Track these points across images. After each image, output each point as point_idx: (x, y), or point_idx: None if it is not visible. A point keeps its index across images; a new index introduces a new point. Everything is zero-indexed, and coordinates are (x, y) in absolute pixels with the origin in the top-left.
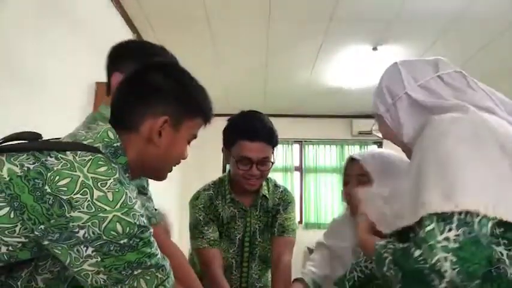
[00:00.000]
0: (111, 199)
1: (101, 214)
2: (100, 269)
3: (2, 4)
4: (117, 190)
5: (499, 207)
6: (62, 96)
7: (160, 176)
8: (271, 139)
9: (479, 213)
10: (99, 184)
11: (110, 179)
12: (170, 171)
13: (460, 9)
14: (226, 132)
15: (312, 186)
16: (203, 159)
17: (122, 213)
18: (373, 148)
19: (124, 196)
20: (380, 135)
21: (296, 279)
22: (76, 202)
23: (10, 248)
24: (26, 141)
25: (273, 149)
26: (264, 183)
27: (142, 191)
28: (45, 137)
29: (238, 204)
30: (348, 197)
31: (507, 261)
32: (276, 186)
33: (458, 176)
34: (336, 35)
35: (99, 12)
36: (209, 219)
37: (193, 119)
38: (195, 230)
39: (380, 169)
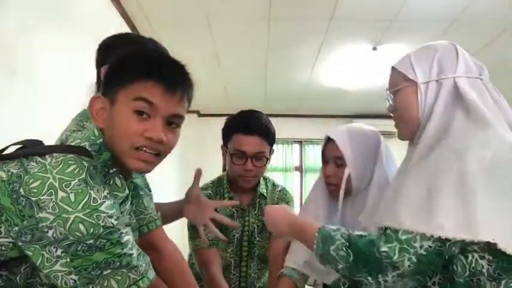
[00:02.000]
0: (73, 200)
1: (64, 215)
2: (71, 269)
3: (2, 4)
4: (80, 191)
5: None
6: (61, 96)
7: (126, 164)
8: (266, 134)
9: (496, 245)
10: (63, 185)
11: (74, 179)
12: (148, 162)
13: (460, 9)
14: (224, 129)
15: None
16: (203, 159)
17: (83, 214)
18: (350, 124)
19: (87, 197)
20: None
21: (280, 276)
22: (43, 203)
23: (3, 248)
24: (20, 149)
25: (270, 146)
26: (262, 182)
27: (147, 191)
28: (43, 137)
29: None
30: (328, 178)
31: (486, 273)
32: (274, 185)
33: (477, 206)
34: (336, 35)
35: (99, 12)
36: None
37: (127, 85)
38: (193, 230)
39: (353, 152)
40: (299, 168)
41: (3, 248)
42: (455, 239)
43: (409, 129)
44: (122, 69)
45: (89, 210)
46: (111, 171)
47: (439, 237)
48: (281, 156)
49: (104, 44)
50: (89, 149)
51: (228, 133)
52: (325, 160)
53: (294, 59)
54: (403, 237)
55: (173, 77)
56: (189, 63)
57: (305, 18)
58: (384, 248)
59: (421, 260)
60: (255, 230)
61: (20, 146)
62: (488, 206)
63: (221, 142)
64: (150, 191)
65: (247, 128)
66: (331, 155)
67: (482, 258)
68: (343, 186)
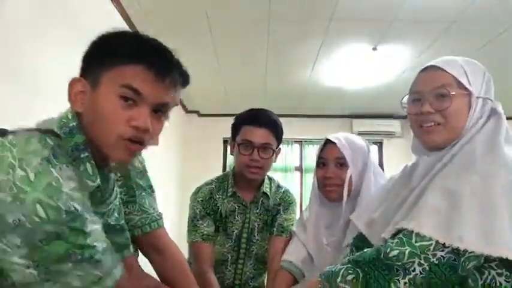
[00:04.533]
0: (32, 179)
1: (22, 195)
2: (29, 262)
3: (2, 3)
4: (40, 170)
5: None
6: (61, 95)
7: (109, 153)
8: (274, 127)
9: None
10: (23, 164)
11: (36, 157)
12: (131, 152)
13: (460, 9)
14: (233, 124)
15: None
16: (203, 159)
17: (44, 196)
18: (343, 133)
19: (49, 177)
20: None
21: (279, 268)
22: (0, 184)
23: None
24: None
25: (277, 141)
26: (267, 181)
27: (150, 191)
28: None
29: (239, 198)
30: (326, 180)
31: None
32: (278, 186)
33: (498, 223)
34: (336, 35)
35: (98, 12)
36: (206, 214)
37: (113, 68)
38: (191, 223)
39: (353, 154)
40: (299, 168)
41: None
42: (474, 253)
43: (449, 137)
44: (108, 50)
45: (50, 191)
46: (83, 155)
47: (453, 249)
48: (281, 156)
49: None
50: (59, 131)
51: (237, 126)
52: (322, 163)
53: (294, 59)
54: (417, 243)
55: (165, 63)
56: (189, 63)
57: (305, 18)
58: (393, 253)
59: (433, 270)
60: (256, 228)
61: None
62: (509, 225)
63: (221, 142)
64: (154, 192)
65: (256, 120)
66: (332, 156)
67: (500, 275)
68: (346, 184)
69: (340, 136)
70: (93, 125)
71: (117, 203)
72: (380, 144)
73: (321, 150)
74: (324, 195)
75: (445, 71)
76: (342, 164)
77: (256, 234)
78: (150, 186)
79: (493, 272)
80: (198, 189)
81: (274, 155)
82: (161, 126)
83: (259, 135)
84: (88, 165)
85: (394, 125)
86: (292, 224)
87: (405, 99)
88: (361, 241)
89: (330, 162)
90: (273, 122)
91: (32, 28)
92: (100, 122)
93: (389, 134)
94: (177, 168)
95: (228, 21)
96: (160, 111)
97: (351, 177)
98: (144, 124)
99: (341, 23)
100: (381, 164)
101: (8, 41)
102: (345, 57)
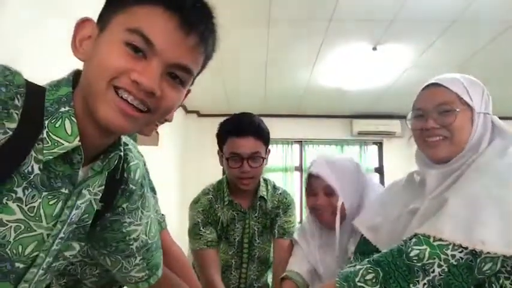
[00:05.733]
0: None
1: None
2: None
3: (1, 3)
4: None
5: None
6: None
7: (97, 111)
8: (260, 134)
9: None
10: None
11: None
12: (126, 114)
13: (460, 9)
14: (218, 134)
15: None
16: (203, 159)
17: None
18: (323, 154)
19: None
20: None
21: (283, 278)
22: None
23: None
24: None
25: (265, 146)
26: (263, 184)
27: (152, 194)
28: None
29: (237, 206)
30: (320, 211)
31: None
32: (275, 188)
33: None
34: (336, 35)
35: (98, 12)
36: (207, 222)
37: (124, 9)
38: (193, 232)
39: (341, 182)
40: (299, 168)
41: None
42: (493, 254)
43: (454, 151)
44: None
45: None
46: (63, 109)
47: (471, 250)
48: (281, 156)
49: None
50: (47, 87)
51: (222, 137)
52: (312, 193)
53: (294, 59)
54: (435, 243)
55: (194, 9)
56: None
57: (305, 18)
58: (413, 252)
59: (451, 272)
60: (256, 232)
61: None
62: None
63: None
64: (155, 194)
65: (241, 130)
66: (320, 186)
67: (507, 279)
68: (338, 214)
69: (324, 165)
70: (88, 75)
71: (152, 216)
72: (380, 144)
73: (308, 180)
74: (320, 224)
75: (448, 88)
76: (330, 192)
77: (257, 238)
78: (153, 189)
79: (502, 277)
80: (197, 200)
81: (264, 160)
82: (177, 97)
83: (246, 145)
84: (67, 121)
85: (394, 125)
86: (292, 226)
87: (409, 116)
88: (365, 245)
89: (319, 192)
90: (258, 128)
91: (31, 29)
92: (94, 70)
93: (389, 134)
94: (176, 168)
95: (228, 21)
96: (178, 77)
97: (342, 204)
98: (148, 82)
99: (341, 23)
100: (380, 164)
101: (7, 42)
102: (345, 57)
